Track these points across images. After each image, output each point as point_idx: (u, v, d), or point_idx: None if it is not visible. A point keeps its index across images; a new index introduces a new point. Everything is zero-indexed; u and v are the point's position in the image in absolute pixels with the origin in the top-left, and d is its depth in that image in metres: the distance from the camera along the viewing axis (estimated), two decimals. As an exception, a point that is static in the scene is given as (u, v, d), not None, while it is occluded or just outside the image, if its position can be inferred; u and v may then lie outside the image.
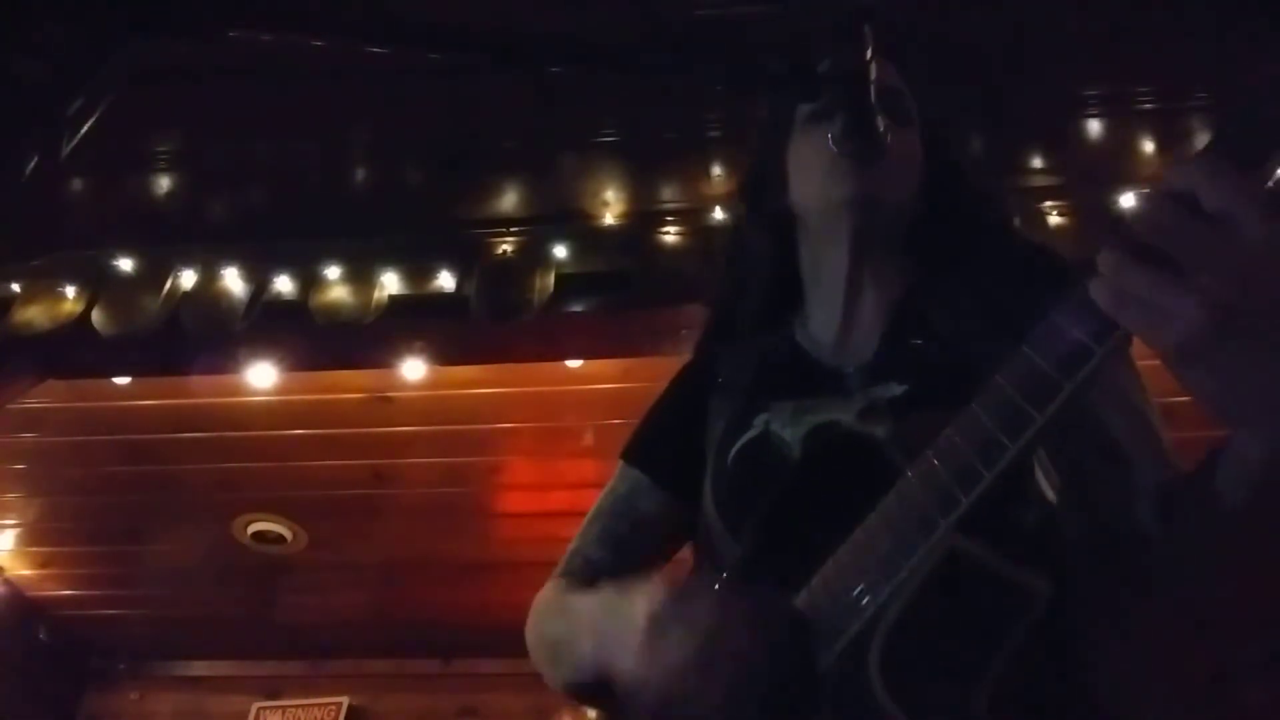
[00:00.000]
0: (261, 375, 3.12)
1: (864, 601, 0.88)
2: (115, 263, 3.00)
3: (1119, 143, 2.81)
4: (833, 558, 0.94)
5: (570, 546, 1.29)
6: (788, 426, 1.14)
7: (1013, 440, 0.81)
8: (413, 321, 3.00)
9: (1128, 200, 2.70)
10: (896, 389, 1.10)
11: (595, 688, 1.06)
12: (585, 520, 1.31)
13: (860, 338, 1.21)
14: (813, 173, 1.21)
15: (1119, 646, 0.97)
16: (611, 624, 1.03)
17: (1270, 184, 0.71)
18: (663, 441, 1.31)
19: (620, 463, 1.32)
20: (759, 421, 1.16)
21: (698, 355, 1.37)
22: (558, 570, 1.28)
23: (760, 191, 1.32)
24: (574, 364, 3.14)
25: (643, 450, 1.32)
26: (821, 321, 1.25)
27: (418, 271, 2.97)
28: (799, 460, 1.09)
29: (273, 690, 4.57)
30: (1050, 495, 0.93)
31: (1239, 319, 0.68)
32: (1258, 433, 0.75)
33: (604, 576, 1.19)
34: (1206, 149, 0.72)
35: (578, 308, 2.89)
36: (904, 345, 1.16)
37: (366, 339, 2.99)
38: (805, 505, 1.00)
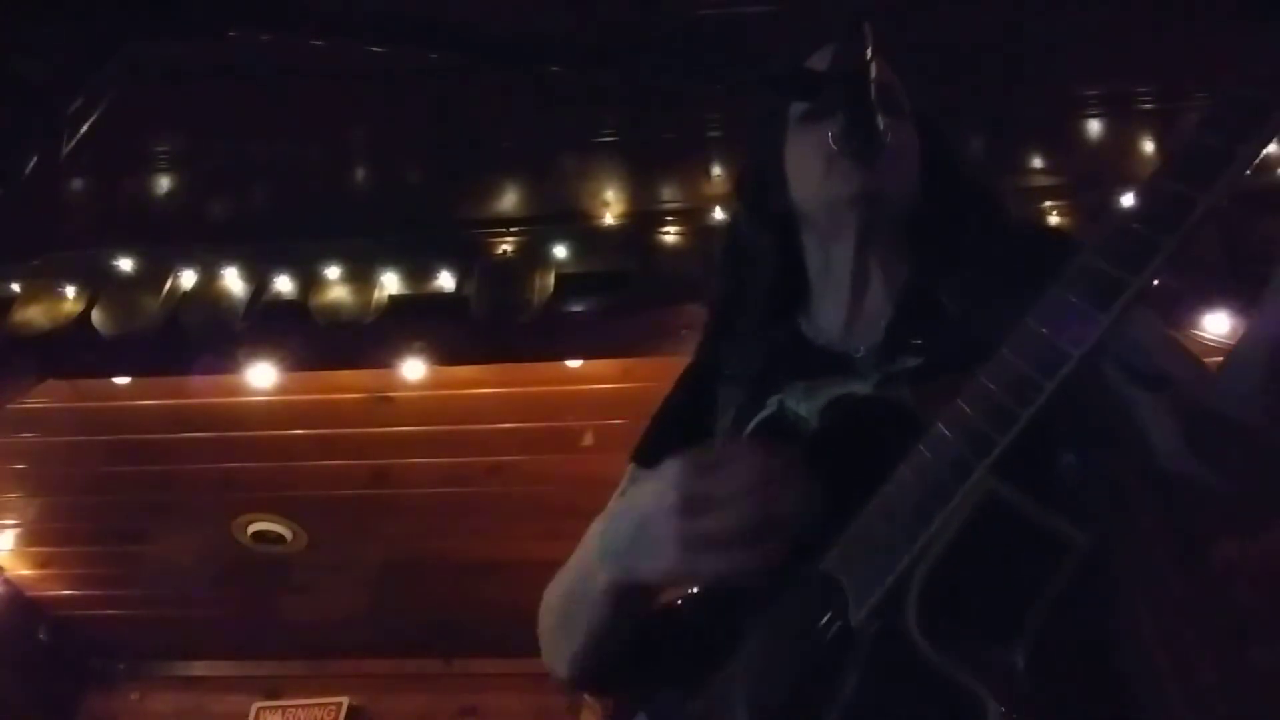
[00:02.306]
0: (261, 375, 3.12)
1: (897, 554, 0.84)
2: (115, 263, 3.00)
3: (1119, 143, 2.81)
4: (858, 517, 0.91)
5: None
6: (803, 402, 1.12)
7: (1048, 378, 0.80)
8: (413, 321, 3.00)
9: (1128, 200, 2.70)
10: (912, 361, 1.09)
11: (616, 628, 1.05)
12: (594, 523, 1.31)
13: (869, 324, 1.21)
14: (813, 172, 1.21)
15: (1149, 613, 0.96)
16: (616, 525, 1.01)
17: None
18: (671, 441, 1.28)
19: (630, 465, 1.31)
20: (772, 401, 1.15)
21: (701, 355, 1.35)
22: None
23: (759, 191, 1.31)
24: (574, 364, 3.14)
25: (652, 451, 1.29)
26: (829, 312, 1.25)
27: (418, 271, 2.97)
28: (820, 426, 1.08)
29: (273, 690, 4.56)
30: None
31: None
32: None
33: None
34: None
35: (578, 308, 2.89)
36: (913, 324, 1.15)
37: (366, 339, 2.99)
38: (826, 472, 0.96)
